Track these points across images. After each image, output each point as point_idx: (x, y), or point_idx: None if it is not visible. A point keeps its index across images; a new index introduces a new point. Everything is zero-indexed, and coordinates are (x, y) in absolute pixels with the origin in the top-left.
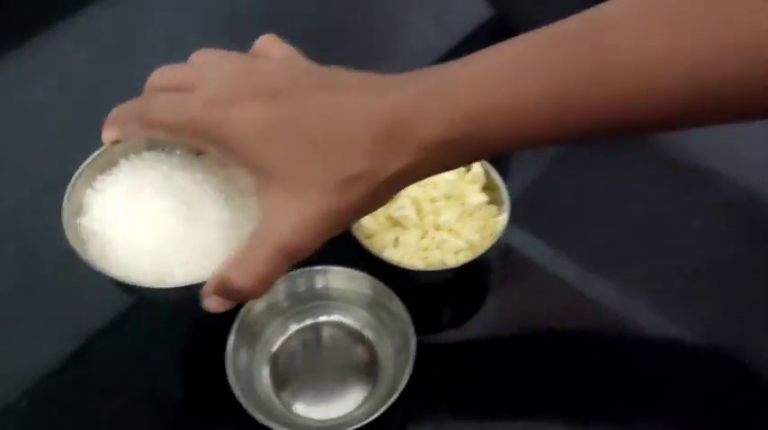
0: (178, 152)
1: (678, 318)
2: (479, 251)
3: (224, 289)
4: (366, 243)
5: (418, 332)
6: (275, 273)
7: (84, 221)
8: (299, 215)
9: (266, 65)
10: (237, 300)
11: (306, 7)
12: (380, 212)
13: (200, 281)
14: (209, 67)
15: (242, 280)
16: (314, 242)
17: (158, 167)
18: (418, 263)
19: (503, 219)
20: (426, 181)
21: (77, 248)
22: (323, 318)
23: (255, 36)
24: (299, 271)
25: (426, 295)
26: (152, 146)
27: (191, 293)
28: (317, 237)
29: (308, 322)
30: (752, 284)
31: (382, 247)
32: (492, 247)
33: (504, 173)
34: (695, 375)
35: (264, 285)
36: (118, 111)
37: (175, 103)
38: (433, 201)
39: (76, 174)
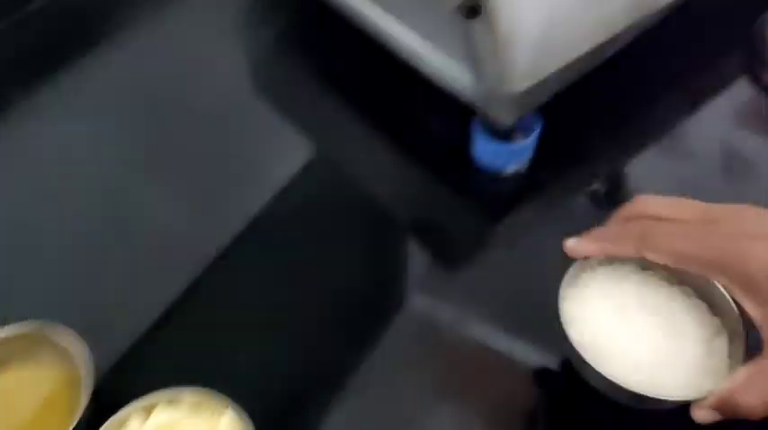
0: (628, 268)
1: None
2: None
3: (727, 407)
4: None
5: None
6: None
7: (575, 332)
8: None
9: (735, 208)
10: (734, 417)
11: None
12: None
13: (694, 396)
14: (690, 206)
15: (750, 402)
16: None
17: (631, 282)
18: None
19: None
20: None
21: (585, 356)
22: None
23: None
24: None
25: None
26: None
27: (676, 405)
28: None
29: None
30: None
31: None
32: None
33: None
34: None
35: None
36: (604, 232)
37: (685, 233)
38: None
39: (562, 286)
